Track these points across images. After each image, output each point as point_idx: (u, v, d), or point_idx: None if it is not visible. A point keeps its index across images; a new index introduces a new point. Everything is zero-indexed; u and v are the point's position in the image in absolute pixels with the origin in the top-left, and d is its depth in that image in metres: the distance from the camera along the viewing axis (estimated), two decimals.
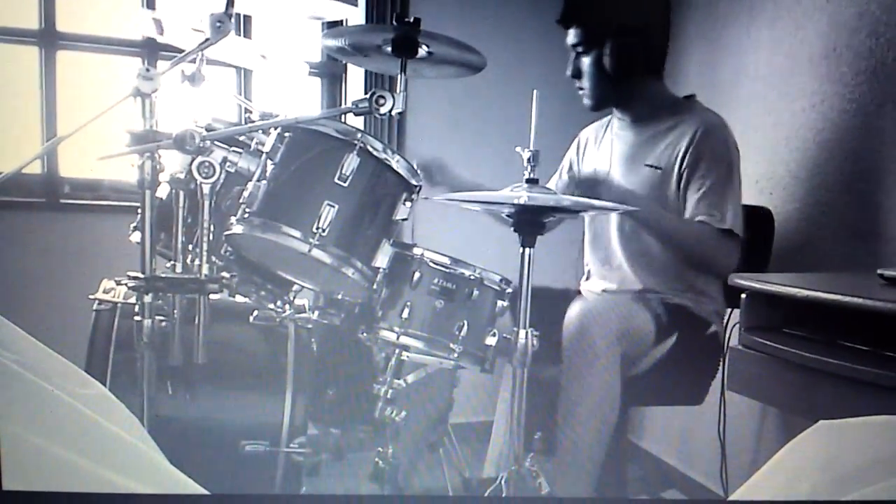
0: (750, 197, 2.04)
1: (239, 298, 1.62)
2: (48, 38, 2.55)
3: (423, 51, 1.59)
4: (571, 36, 1.96)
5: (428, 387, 1.67)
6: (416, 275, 1.52)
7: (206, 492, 1.05)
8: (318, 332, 1.66)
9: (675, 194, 1.90)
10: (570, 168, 2.21)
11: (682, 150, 1.88)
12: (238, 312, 1.63)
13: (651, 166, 1.93)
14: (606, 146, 2.09)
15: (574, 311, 1.80)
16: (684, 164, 1.88)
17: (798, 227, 2.09)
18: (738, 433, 2.14)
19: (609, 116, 2.13)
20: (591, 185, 2.08)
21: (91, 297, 1.60)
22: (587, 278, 2.13)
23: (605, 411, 1.75)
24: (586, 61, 1.94)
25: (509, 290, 1.60)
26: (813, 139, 2.06)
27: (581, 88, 1.99)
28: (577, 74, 1.98)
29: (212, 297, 1.47)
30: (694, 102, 1.98)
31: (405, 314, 1.51)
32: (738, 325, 1.60)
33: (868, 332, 1.29)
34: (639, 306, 1.85)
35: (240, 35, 2.60)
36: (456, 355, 1.54)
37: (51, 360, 1.07)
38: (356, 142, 1.44)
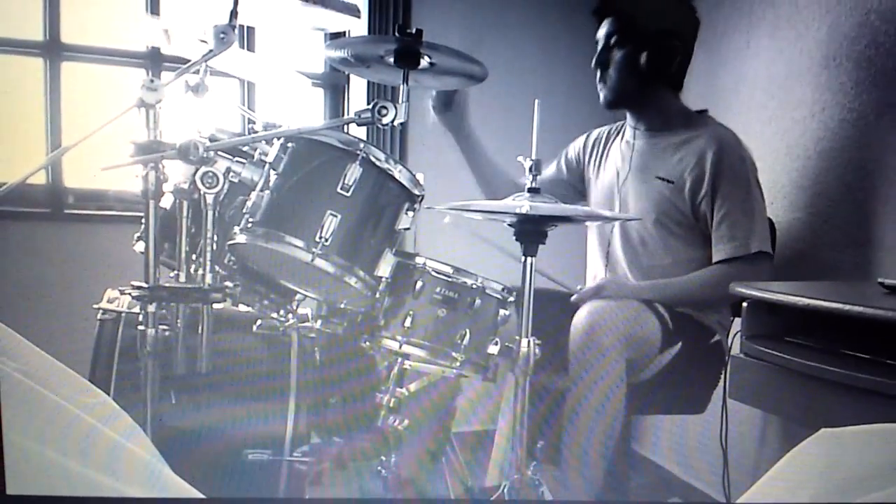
0: None
1: (242, 308, 1.63)
2: (53, 50, 2.56)
3: (425, 61, 1.60)
4: (606, 26, 1.95)
5: (430, 395, 1.67)
6: (419, 284, 1.52)
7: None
8: (320, 341, 1.66)
9: (684, 207, 1.90)
10: (572, 161, 2.21)
11: (695, 165, 1.89)
12: (241, 322, 1.64)
13: (662, 179, 1.93)
14: (617, 152, 2.09)
15: (582, 314, 1.80)
16: (697, 179, 1.88)
17: (799, 236, 2.09)
18: (740, 441, 2.14)
19: (621, 123, 2.12)
20: (598, 190, 2.09)
21: (95, 306, 1.61)
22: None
23: (610, 416, 1.75)
24: (617, 54, 1.93)
25: (511, 298, 1.61)
26: (813, 148, 2.06)
27: (602, 81, 1.98)
28: (604, 66, 1.96)
29: (215, 306, 1.47)
30: (707, 117, 1.98)
31: (407, 323, 1.51)
32: (739, 334, 1.60)
33: (869, 341, 1.29)
34: (646, 312, 1.85)
35: (243, 46, 2.62)
36: (458, 364, 1.54)
37: (55, 370, 1.07)
38: (359, 152, 1.45)
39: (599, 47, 1.97)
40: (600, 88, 1.99)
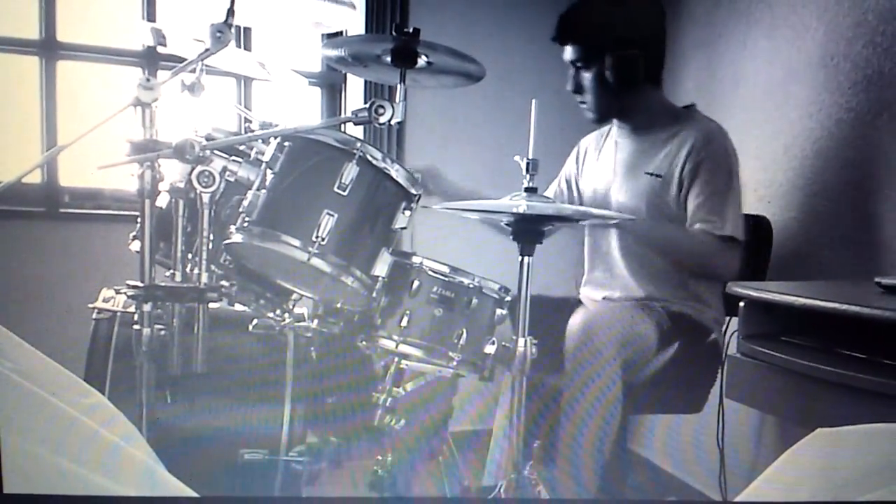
0: (748, 205, 2.05)
1: (238, 307, 1.62)
2: (49, 48, 2.56)
3: (422, 61, 1.60)
4: (569, 53, 1.96)
5: (427, 395, 1.66)
6: (415, 283, 1.52)
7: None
8: (317, 340, 1.66)
9: (675, 201, 1.91)
10: (569, 177, 2.22)
11: (683, 157, 1.89)
12: (237, 321, 1.63)
13: (651, 174, 1.94)
14: (606, 155, 2.10)
15: (578, 318, 1.80)
16: (684, 171, 1.89)
17: (796, 235, 2.09)
18: (736, 441, 2.14)
19: (609, 125, 2.13)
20: (593, 194, 2.09)
21: (90, 305, 1.60)
22: (587, 286, 2.13)
23: (607, 418, 1.75)
24: (587, 76, 1.95)
25: (508, 298, 1.60)
26: (811, 148, 2.07)
27: (583, 103, 2.00)
28: (579, 90, 1.98)
29: (211, 305, 1.47)
30: (694, 111, 1.99)
31: (404, 322, 1.51)
32: (736, 334, 1.60)
33: (866, 340, 1.30)
34: (642, 314, 1.85)
35: (240, 45, 2.62)
36: (455, 363, 1.54)
37: (50, 369, 1.07)
38: (355, 151, 1.44)
39: (570, 72, 1.99)
40: (583, 109, 2.01)
